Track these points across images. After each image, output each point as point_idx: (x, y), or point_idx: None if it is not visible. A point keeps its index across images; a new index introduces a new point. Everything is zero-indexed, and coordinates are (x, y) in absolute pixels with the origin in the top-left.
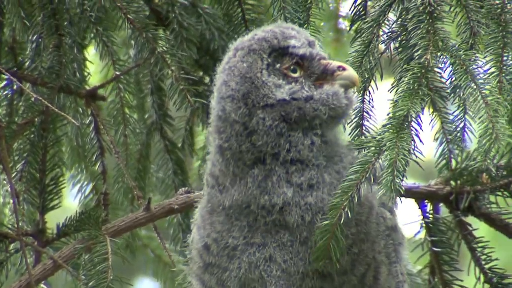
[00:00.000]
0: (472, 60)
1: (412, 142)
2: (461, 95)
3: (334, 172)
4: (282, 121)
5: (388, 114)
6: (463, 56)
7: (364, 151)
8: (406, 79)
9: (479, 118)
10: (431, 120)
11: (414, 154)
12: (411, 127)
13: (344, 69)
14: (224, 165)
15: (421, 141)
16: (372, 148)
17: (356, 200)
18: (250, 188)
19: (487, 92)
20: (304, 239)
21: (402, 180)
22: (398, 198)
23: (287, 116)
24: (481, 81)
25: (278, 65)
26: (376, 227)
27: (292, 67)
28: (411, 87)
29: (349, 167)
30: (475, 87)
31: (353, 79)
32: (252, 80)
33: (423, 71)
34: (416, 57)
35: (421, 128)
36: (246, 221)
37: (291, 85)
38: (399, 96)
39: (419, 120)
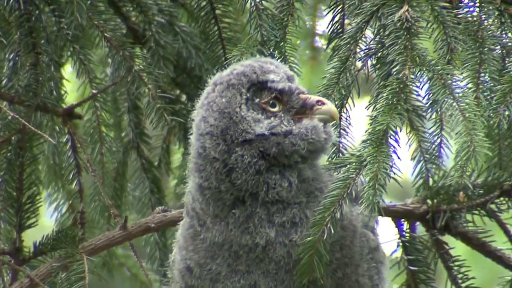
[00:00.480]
0: (450, 74)
1: (391, 157)
2: (439, 110)
3: (316, 206)
4: (261, 158)
5: (367, 130)
6: (441, 70)
7: (345, 168)
8: (385, 94)
9: (457, 132)
10: (409, 139)
11: (392, 171)
12: (389, 144)
13: (323, 103)
14: (205, 204)
15: (399, 157)
16: (353, 164)
17: (338, 216)
18: (232, 230)
19: (465, 106)
20: (289, 268)
21: (382, 194)
22: (378, 216)
23: (266, 152)
24: (459, 95)
25: (257, 100)
26: (360, 250)
27: (271, 101)
28: (390, 102)
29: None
30: (453, 101)
31: (332, 113)
32: (230, 116)
33: (401, 86)
34: (394, 73)
35: (398, 145)
36: (228, 254)
37: (270, 119)
38: (378, 112)
39: (397, 137)
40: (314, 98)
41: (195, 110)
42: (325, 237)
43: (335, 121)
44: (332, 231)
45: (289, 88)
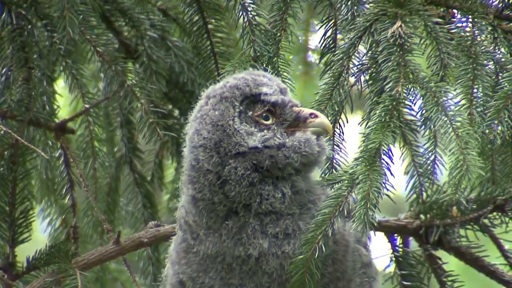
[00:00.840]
0: (443, 92)
1: (384, 175)
2: (432, 127)
3: (309, 218)
4: (254, 170)
5: (359, 147)
6: (434, 88)
7: (337, 185)
8: (378, 111)
9: (450, 150)
10: (402, 154)
11: (386, 187)
12: (382, 161)
13: (316, 116)
14: (198, 216)
15: (392, 174)
16: (345, 182)
17: (330, 234)
18: (225, 241)
19: (458, 124)
20: (281, 281)
21: (374, 213)
22: (371, 233)
23: (259, 165)
24: (452, 113)
25: (250, 113)
26: (352, 264)
27: (264, 114)
28: (383, 120)
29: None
30: (446, 119)
31: (325, 126)
32: (224, 128)
33: (394, 103)
34: (387, 90)
35: (392, 162)
36: (221, 267)
37: (263, 132)
38: (371, 129)
39: (390, 153)
40: (307, 111)
41: (188, 123)
42: (316, 255)
43: (328, 135)
44: (324, 249)
45: (282, 101)
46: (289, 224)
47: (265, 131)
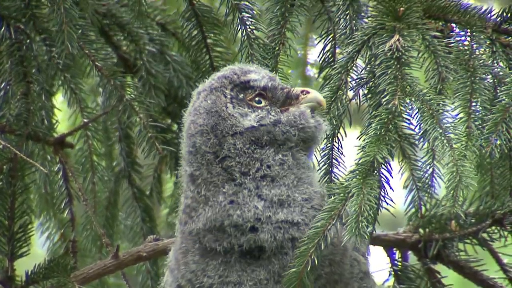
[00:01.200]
0: (439, 104)
1: (382, 189)
2: (429, 140)
3: (303, 195)
4: (253, 143)
5: (355, 161)
6: (430, 101)
7: (332, 197)
8: (373, 125)
9: (445, 162)
10: (401, 168)
11: (384, 201)
12: (381, 174)
13: (307, 92)
14: (196, 191)
15: (391, 188)
16: (340, 195)
17: (322, 247)
18: (222, 202)
19: (452, 136)
20: (278, 277)
21: (369, 226)
22: (368, 245)
23: (258, 141)
24: (448, 125)
25: (241, 96)
26: (350, 269)
27: (256, 98)
28: (378, 133)
29: (318, 197)
30: (440, 131)
31: (318, 99)
32: (218, 113)
33: (390, 116)
34: (384, 103)
35: (391, 175)
36: (220, 259)
37: (257, 112)
38: (366, 142)
39: (388, 167)
40: (298, 88)
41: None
42: (309, 268)
43: (322, 107)
44: (316, 262)
45: (272, 84)
46: (284, 191)
47: (259, 111)
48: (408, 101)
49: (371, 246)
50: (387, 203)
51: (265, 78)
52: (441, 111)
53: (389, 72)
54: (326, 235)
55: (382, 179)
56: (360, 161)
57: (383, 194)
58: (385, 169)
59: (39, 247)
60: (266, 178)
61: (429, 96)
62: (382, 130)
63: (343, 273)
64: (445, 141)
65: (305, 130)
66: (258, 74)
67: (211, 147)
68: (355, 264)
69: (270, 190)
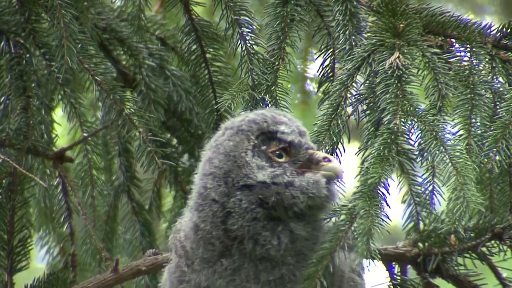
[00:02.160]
0: (441, 126)
1: (382, 211)
2: (429, 159)
3: (305, 265)
4: (259, 205)
5: (358, 181)
6: (432, 121)
7: (335, 218)
8: (376, 145)
9: (449, 185)
10: (399, 183)
11: (381, 218)
12: (380, 193)
13: (329, 160)
14: (196, 244)
15: (388, 205)
16: (344, 216)
17: (331, 269)
18: (218, 280)
19: (456, 159)
20: None
21: (376, 247)
22: (364, 261)
23: (265, 200)
24: (451, 147)
25: (264, 147)
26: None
27: (278, 152)
28: (382, 154)
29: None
30: (445, 153)
31: (336, 170)
32: (235, 159)
33: (392, 136)
34: (385, 122)
35: (388, 192)
36: None
37: (273, 168)
38: (370, 163)
39: (386, 184)
40: (321, 154)
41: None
42: None
43: (337, 178)
44: (325, 284)
45: (298, 141)
46: (285, 273)
47: (276, 168)
48: (408, 121)
49: (370, 261)
50: (383, 220)
51: (294, 133)
52: (443, 132)
53: (389, 90)
54: (334, 257)
55: (381, 197)
56: (364, 182)
57: (383, 213)
58: (383, 187)
59: (38, 261)
60: (264, 261)
61: (431, 116)
62: (385, 151)
63: None
64: (450, 165)
65: (314, 200)
66: (289, 128)
67: (220, 196)
68: (352, 286)
69: (269, 275)
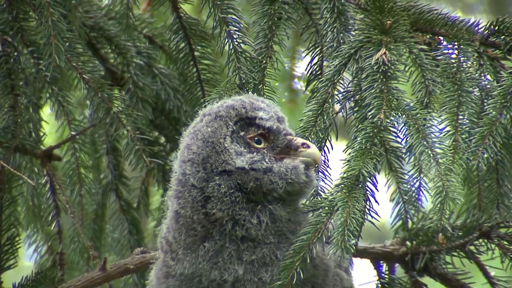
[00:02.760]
0: (425, 118)
1: (367, 202)
2: (415, 154)
3: (287, 247)
4: (238, 190)
5: (340, 174)
6: (416, 115)
7: (317, 211)
8: (359, 138)
9: (431, 177)
10: (387, 181)
11: (370, 214)
12: (367, 188)
13: (308, 146)
14: (177, 232)
15: (376, 201)
16: (325, 209)
17: (308, 260)
18: (201, 263)
19: (439, 151)
20: None
21: (355, 240)
22: (352, 258)
23: (244, 186)
24: (434, 139)
25: (242, 133)
26: (334, 282)
27: (256, 138)
28: (363, 147)
29: None
30: (426, 145)
31: (315, 156)
32: (213, 145)
33: (375, 130)
34: (370, 117)
35: (376, 189)
36: None
37: (252, 154)
38: (352, 156)
39: (374, 180)
40: (300, 140)
41: (175, 149)
42: (294, 281)
43: (316, 165)
44: (302, 275)
45: (277, 127)
46: (266, 253)
47: (255, 153)
48: (394, 115)
49: (358, 259)
50: (372, 217)
51: (272, 119)
52: (427, 125)
53: (375, 85)
54: (311, 249)
55: (367, 192)
56: (345, 174)
57: (368, 207)
58: (370, 183)
59: (26, 260)
60: (246, 240)
61: (415, 110)
62: (368, 144)
63: None
64: (431, 156)
65: (293, 185)
66: (267, 113)
67: (198, 181)
68: (338, 281)
69: (251, 255)
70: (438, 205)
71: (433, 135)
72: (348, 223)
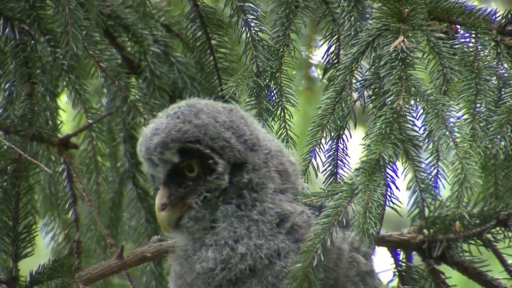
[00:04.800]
0: (444, 105)
1: (388, 188)
2: (435, 140)
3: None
4: None
5: (360, 159)
6: (435, 100)
7: (337, 195)
8: (378, 124)
9: (450, 161)
10: (404, 169)
11: (391, 200)
12: (387, 174)
13: None
14: None
15: (397, 187)
16: (345, 192)
17: (328, 243)
18: None
19: (458, 135)
20: None
21: (376, 224)
22: (373, 243)
23: None
24: (453, 124)
25: None
26: (346, 272)
27: None
28: (383, 132)
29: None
30: (445, 130)
31: None
32: None
33: (395, 116)
34: (388, 103)
35: (396, 175)
36: None
37: None
38: (371, 141)
39: (394, 167)
40: None
41: None
42: (314, 264)
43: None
44: (322, 258)
45: None
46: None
47: None
48: (412, 102)
49: (376, 247)
50: (393, 203)
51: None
52: (446, 111)
53: (393, 72)
54: (332, 232)
55: (387, 178)
56: (366, 158)
57: (389, 193)
58: (390, 169)
59: (43, 248)
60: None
61: (434, 96)
62: (387, 129)
63: (339, 277)
64: (450, 141)
65: None
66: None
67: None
68: (354, 265)
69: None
70: (457, 189)
71: (452, 121)
72: (370, 206)
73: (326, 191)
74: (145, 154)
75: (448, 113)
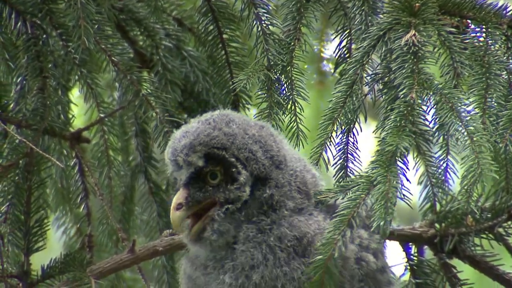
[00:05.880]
0: (456, 98)
1: (400, 180)
2: (446, 134)
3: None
4: None
5: (376, 151)
6: (448, 94)
7: (354, 188)
8: (393, 116)
9: (464, 156)
10: (416, 164)
11: (402, 193)
12: (398, 166)
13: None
14: None
15: (408, 180)
16: (363, 185)
17: (348, 235)
18: None
19: (472, 129)
20: None
21: (393, 214)
22: (384, 239)
23: None
24: (467, 118)
25: None
26: (352, 274)
27: None
28: (398, 124)
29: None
30: (460, 124)
31: None
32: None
33: (409, 109)
34: (401, 96)
35: (407, 168)
36: None
37: None
38: (387, 133)
39: (405, 159)
40: None
41: None
42: (335, 255)
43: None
44: (343, 249)
45: None
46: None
47: None
48: (424, 94)
49: (387, 241)
50: (404, 196)
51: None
52: (460, 105)
53: (405, 66)
54: (351, 223)
55: (399, 171)
56: (382, 151)
57: (401, 185)
58: (401, 162)
59: (55, 242)
60: None
61: (447, 90)
62: (402, 122)
63: (343, 281)
64: (465, 134)
65: None
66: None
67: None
68: (363, 265)
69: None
70: (471, 182)
71: (465, 115)
72: (390, 197)
73: (341, 186)
74: (171, 155)
75: (461, 107)
